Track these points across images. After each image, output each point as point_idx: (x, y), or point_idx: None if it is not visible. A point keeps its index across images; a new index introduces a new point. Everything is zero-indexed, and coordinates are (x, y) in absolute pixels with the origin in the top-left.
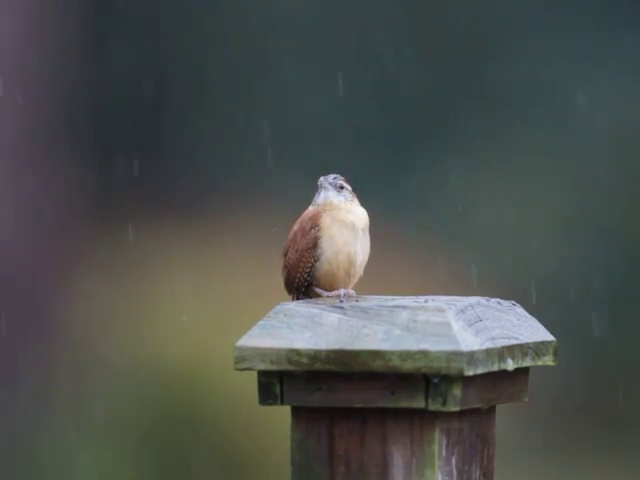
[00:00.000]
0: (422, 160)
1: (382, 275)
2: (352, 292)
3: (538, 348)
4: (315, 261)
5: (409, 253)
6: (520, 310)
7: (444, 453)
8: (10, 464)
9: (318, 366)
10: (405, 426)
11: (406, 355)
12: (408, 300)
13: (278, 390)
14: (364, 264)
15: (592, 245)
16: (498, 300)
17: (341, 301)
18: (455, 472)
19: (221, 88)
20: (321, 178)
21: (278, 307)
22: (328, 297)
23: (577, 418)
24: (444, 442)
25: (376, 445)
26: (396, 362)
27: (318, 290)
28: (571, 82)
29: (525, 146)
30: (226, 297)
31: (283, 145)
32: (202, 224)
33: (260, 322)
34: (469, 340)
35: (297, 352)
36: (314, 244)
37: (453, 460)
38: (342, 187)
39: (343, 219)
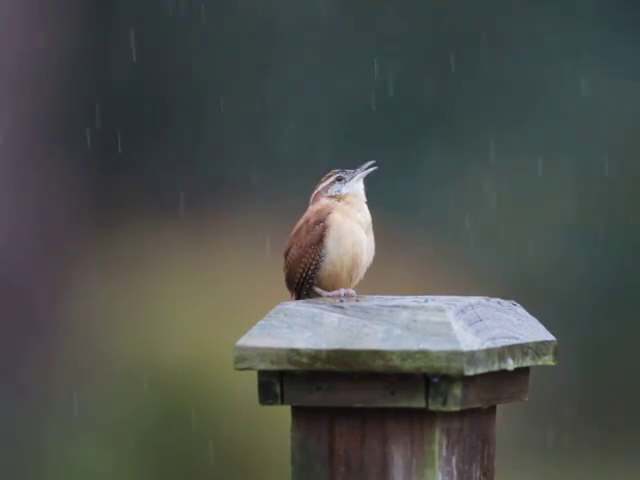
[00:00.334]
0: (422, 160)
1: (382, 275)
2: (352, 292)
3: (538, 348)
4: (319, 260)
5: (409, 253)
6: (520, 310)
7: (444, 453)
8: (10, 464)
9: (318, 366)
10: (405, 426)
11: (406, 355)
12: (408, 300)
13: (278, 390)
14: (367, 266)
15: (592, 245)
16: (498, 300)
17: (341, 301)
18: (455, 472)
19: (221, 88)
20: (341, 171)
21: (278, 307)
22: (328, 297)
23: (577, 418)
24: (444, 442)
25: (376, 445)
26: (396, 362)
27: (318, 290)
28: (571, 82)
29: (525, 146)
30: (226, 297)
31: (282, 146)
32: (202, 224)
33: (260, 322)
34: (469, 340)
35: (297, 352)
36: (318, 240)
37: (453, 460)
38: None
39: (356, 216)
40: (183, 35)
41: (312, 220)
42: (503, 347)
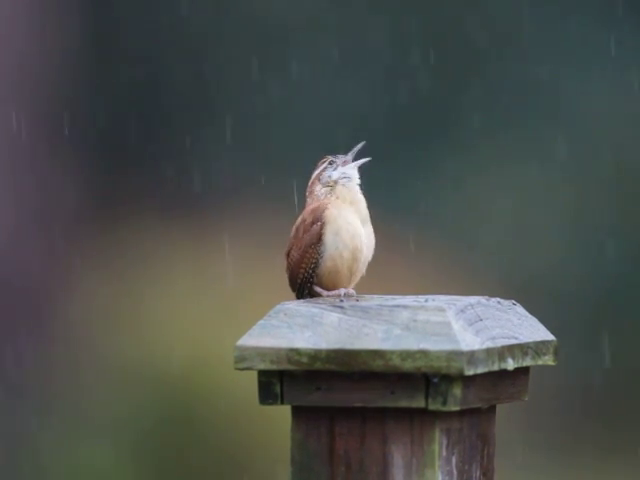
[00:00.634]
0: (422, 160)
1: (382, 275)
2: (352, 292)
3: (538, 348)
4: (319, 258)
5: (409, 253)
6: (520, 309)
7: (444, 453)
8: (10, 464)
9: (318, 366)
10: (405, 426)
11: (406, 355)
12: (408, 300)
13: (278, 390)
14: (368, 261)
15: (592, 245)
16: (498, 300)
17: (341, 301)
18: (455, 472)
19: (221, 88)
20: (333, 157)
21: (278, 306)
22: (328, 297)
23: (577, 418)
24: (444, 442)
25: (376, 445)
26: (396, 362)
27: (318, 290)
28: (571, 82)
29: (525, 146)
30: (226, 297)
31: (283, 146)
32: (202, 224)
33: (260, 321)
34: (469, 340)
35: (297, 352)
36: (317, 240)
37: (453, 460)
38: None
39: (351, 209)
40: (184, 35)
41: (308, 220)
42: (503, 347)
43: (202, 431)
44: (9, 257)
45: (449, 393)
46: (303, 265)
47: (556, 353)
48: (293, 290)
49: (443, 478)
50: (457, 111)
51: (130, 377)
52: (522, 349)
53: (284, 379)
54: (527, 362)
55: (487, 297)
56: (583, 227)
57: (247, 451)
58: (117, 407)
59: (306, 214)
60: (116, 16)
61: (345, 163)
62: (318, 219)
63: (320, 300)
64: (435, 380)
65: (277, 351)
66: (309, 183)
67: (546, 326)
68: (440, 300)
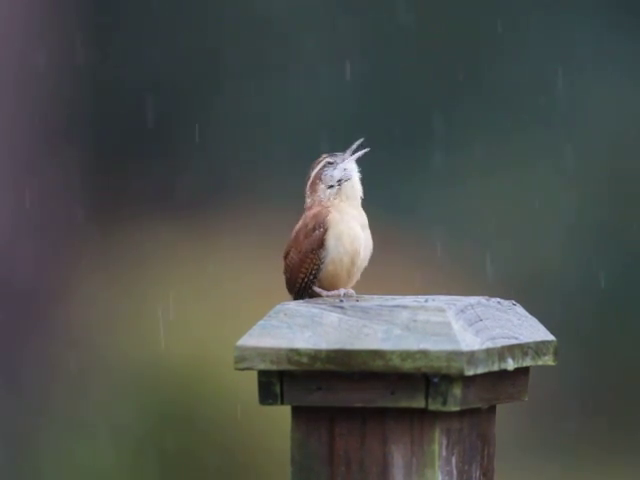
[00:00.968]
0: (422, 160)
1: (382, 275)
2: (352, 292)
3: (538, 348)
4: (320, 263)
5: (409, 253)
6: (520, 310)
7: (444, 453)
8: (10, 464)
9: (318, 366)
10: (405, 426)
11: (406, 355)
12: (408, 300)
13: (278, 390)
14: (364, 264)
15: (592, 245)
16: (498, 300)
17: (341, 301)
18: (455, 472)
19: (221, 88)
20: (330, 155)
21: (278, 307)
22: (328, 297)
23: (577, 418)
24: (444, 442)
25: (376, 445)
26: (396, 362)
27: (318, 290)
28: (571, 82)
29: (525, 146)
30: (226, 297)
31: (283, 146)
32: (202, 224)
33: (260, 322)
34: (469, 340)
35: (297, 352)
36: (319, 245)
37: (453, 460)
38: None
39: (353, 213)
40: (183, 35)
41: (310, 225)
42: (503, 347)
43: (202, 431)
44: (9, 257)
45: (449, 393)
46: (303, 270)
47: (556, 353)
48: (290, 292)
49: (443, 478)
50: (457, 111)
51: (130, 377)
52: (522, 349)
53: (284, 379)
54: (527, 362)
55: (487, 297)
56: (583, 227)
57: (247, 451)
58: (117, 407)
59: (308, 219)
60: (116, 16)
61: (344, 160)
62: (320, 225)
63: (320, 300)
64: (435, 380)
65: (277, 351)
66: (308, 183)
67: (546, 326)
68: (440, 300)
